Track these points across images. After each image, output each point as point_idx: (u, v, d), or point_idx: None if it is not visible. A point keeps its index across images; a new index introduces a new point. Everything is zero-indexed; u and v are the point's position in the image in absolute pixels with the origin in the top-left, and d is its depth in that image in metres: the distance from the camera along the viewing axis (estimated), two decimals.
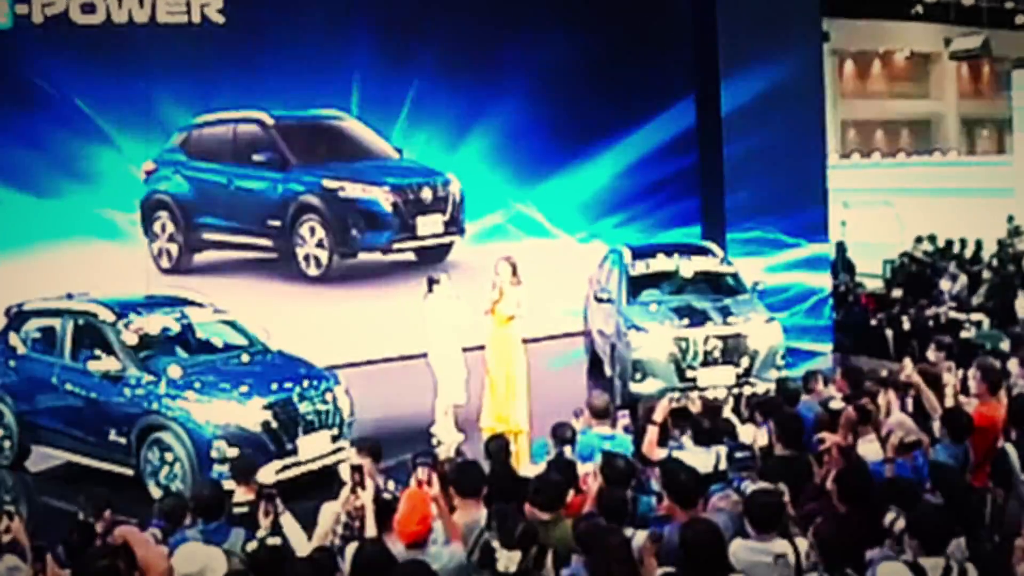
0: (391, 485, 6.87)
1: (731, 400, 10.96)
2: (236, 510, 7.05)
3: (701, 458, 7.19)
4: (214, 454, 9.61)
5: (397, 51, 15.83)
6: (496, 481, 6.61)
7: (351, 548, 5.72)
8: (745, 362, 12.08)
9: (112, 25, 14.46)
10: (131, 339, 10.43)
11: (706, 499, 6.35)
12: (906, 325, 15.33)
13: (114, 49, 14.43)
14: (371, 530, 6.11)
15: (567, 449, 7.65)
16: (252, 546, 5.96)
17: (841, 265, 18.87)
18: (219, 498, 6.78)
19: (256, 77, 15.16)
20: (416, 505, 5.84)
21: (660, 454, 7.39)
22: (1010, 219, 23.28)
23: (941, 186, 26.36)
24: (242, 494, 7.25)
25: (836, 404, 8.22)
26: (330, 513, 6.54)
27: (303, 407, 10.12)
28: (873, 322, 16.23)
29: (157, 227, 15.35)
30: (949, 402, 8.29)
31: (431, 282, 11.83)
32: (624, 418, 8.64)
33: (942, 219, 23.58)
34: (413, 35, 15.88)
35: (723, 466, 6.97)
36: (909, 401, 8.50)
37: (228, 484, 7.73)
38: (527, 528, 5.69)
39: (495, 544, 5.64)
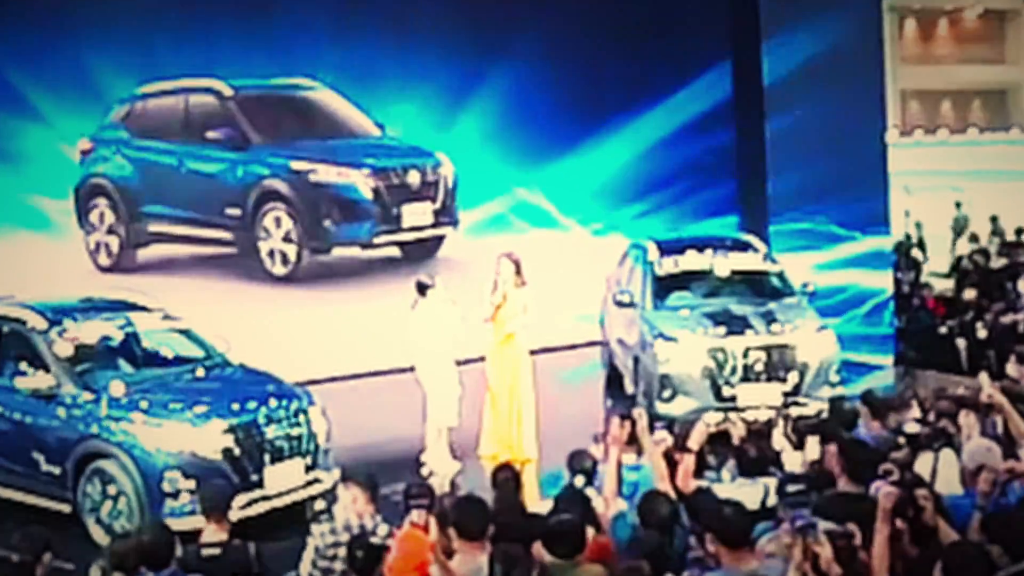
0: (383, 529, 6.85)
1: (781, 423, 10.95)
2: (205, 552, 7.03)
3: (746, 491, 7.20)
4: (166, 487, 9.57)
5: (378, 7, 15.82)
6: (503, 519, 6.60)
7: None
8: (793, 378, 12.12)
9: None
10: (65, 350, 10.41)
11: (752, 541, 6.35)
12: (981, 333, 15.33)
13: (43, 7, 14.40)
14: None
15: (578, 480, 7.65)
16: None
17: (904, 262, 18.90)
18: (166, 543, 6.74)
19: (211, 39, 15.13)
20: (412, 551, 5.85)
21: (696, 487, 7.41)
22: None
23: (1019, 168, 26.39)
24: (212, 532, 7.22)
25: (912, 428, 8.23)
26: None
27: (271, 431, 10.10)
28: (942, 330, 16.23)
29: (94, 217, 15.35)
30: None
31: (422, 288, 11.77)
32: None
33: (1021, 206, 23.62)
34: None
35: (772, 501, 6.97)
36: (999, 422, 8.46)
37: (190, 522, 7.70)
38: (540, 575, 5.69)
39: None
